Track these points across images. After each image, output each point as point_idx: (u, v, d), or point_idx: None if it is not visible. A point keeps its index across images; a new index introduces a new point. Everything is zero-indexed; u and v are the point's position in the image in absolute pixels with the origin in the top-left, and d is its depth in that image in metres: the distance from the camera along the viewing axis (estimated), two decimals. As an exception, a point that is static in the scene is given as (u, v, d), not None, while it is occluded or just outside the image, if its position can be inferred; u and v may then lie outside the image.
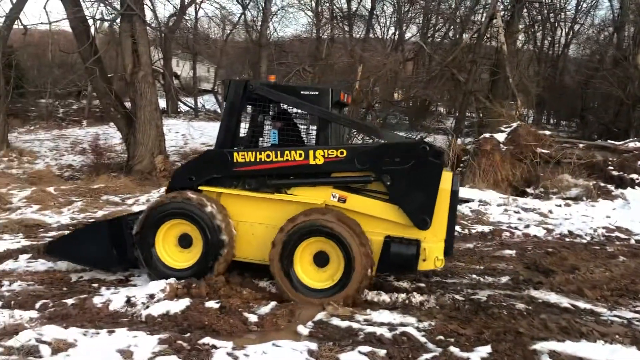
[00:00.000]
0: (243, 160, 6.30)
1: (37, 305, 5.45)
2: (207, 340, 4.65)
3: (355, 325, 5.22)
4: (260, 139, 6.82)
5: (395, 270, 6.41)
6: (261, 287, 6.34)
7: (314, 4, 28.97)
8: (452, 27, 26.05)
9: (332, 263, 5.95)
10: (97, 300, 5.58)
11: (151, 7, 24.80)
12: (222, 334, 4.95)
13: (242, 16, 29.94)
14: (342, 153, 6.10)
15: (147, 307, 5.43)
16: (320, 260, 5.99)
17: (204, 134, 23.68)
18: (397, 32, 29.06)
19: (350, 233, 5.76)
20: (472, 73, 19.89)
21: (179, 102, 31.84)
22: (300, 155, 6.17)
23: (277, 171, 6.27)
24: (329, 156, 6.12)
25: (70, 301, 5.56)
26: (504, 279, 7.08)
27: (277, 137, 6.60)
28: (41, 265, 6.94)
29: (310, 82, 21.25)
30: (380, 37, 30.67)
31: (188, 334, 4.81)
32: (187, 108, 32.06)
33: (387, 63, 20.07)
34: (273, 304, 5.66)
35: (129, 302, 5.59)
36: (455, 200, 6.17)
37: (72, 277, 6.59)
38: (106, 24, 20.80)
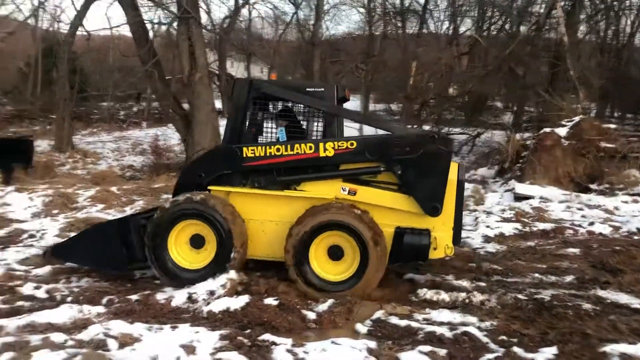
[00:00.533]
0: (253, 155, 6.34)
1: (104, 301, 5.66)
2: (267, 336, 4.70)
3: (414, 324, 5.16)
4: (267, 136, 6.83)
5: (408, 260, 6.45)
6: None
7: (366, 1, 28.81)
8: (509, 19, 25.34)
9: (347, 256, 6.04)
10: (160, 297, 5.74)
11: (207, 10, 25.30)
12: (281, 330, 5.00)
13: (295, 15, 30.17)
14: (352, 144, 6.17)
15: (208, 303, 5.53)
16: (335, 253, 6.07)
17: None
18: (452, 26, 28.55)
19: (364, 225, 5.86)
20: (530, 66, 19.30)
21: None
22: (310, 148, 6.23)
23: (288, 165, 6.31)
24: (339, 148, 6.19)
25: (134, 297, 5.75)
26: (569, 278, 6.82)
27: (284, 134, 6.61)
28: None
29: (363, 79, 21.14)
30: (434, 32, 30.22)
31: (248, 330, 4.88)
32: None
33: (442, 58, 19.77)
34: (330, 301, 5.66)
35: (190, 298, 5.72)
36: (461, 189, 6.33)
37: (136, 274, 6.79)
38: (164, 27, 21.36)
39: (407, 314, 5.45)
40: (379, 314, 5.44)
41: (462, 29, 28.90)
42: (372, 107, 28.86)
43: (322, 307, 5.52)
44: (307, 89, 6.55)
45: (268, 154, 6.29)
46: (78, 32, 19.65)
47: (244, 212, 6.38)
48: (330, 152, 6.20)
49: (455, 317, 5.35)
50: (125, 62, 27.75)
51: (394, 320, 5.27)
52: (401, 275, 6.76)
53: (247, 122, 6.54)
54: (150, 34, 18.33)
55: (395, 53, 24.32)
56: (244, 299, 5.52)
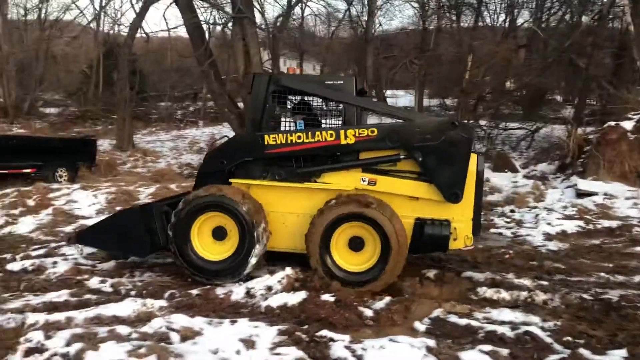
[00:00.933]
0: (274, 143, 6.37)
1: (166, 295, 5.81)
2: (325, 332, 4.71)
3: (474, 323, 5.05)
4: (286, 129, 6.81)
5: (428, 250, 6.58)
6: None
7: (419, -5, 28.43)
8: (569, 9, 24.46)
9: (367, 247, 6.08)
10: (219, 291, 5.85)
11: (260, 10, 25.58)
12: (338, 327, 4.99)
13: (347, 12, 30.09)
14: (372, 132, 6.23)
15: (266, 298, 5.60)
16: (356, 245, 6.12)
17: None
18: (508, 19, 27.81)
19: (385, 216, 5.90)
20: (593, 57, 18.54)
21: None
22: (332, 135, 6.26)
23: (309, 152, 6.35)
24: (360, 135, 6.23)
25: (195, 291, 5.88)
26: (637, 278, 6.53)
27: (302, 126, 6.62)
28: (167, 257, 7.38)
29: (417, 74, 20.86)
30: (490, 24, 29.52)
31: (306, 326, 4.91)
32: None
33: (499, 51, 19.25)
34: (388, 299, 5.63)
35: (248, 293, 5.81)
36: (480, 180, 6.36)
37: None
38: (219, 27, 21.76)
39: (466, 312, 5.35)
40: (437, 312, 5.36)
41: (519, 21, 28.11)
42: (426, 102, 28.49)
43: (379, 304, 5.49)
44: (326, 82, 6.60)
45: (289, 142, 6.35)
46: (137, 35, 20.30)
47: (265, 204, 6.44)
48: (351, 140, 6.24)
49: (517, 316, 5.21)
50: (182, 63, 28.44)
51: (453, 318, 5.19)
52: (459, 273, 6.64)
53: (266, 116, 6.57)
54: (206, 34, 18.69)
55: (450, 47, 23.88)
56: (301, 295, 5.56)
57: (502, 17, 29.12)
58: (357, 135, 6.23)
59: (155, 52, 29.92)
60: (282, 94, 6.60)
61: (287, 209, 6.47)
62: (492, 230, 9.38)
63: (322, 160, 6.41)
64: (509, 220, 10.08)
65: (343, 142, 6.25)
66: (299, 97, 6.91)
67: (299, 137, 6.33)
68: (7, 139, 14.67)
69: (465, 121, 6.47)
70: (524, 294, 5.80)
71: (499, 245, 8.18)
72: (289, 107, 6.83)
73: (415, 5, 29.81)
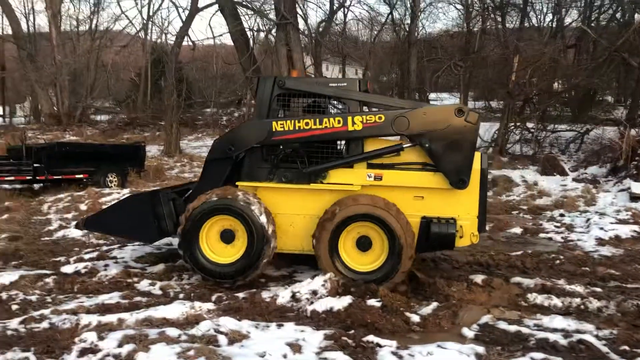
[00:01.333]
0: (282, 129, 6.40)
1: (213, 298, 5.89)
2: (371, 338, 4.69)
3: (524, 330, 4.94)
4: None
5: (435, 248, 6.60)
6: (419, 286, 6.26)
7: (463, -3, 28.06)
8: (620, 7, 23.70)
9: (375, 247, 6.16)
10: (265, 295, 5.89)
11: (303, 16, 25.75)
12: (384, 332, 4.97)
13: (390, 16, 29.97)
14: (380, 118, 6.25)
15: (312, 302, 5.60)
16: (363, 244, 6.20)
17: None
18: (556, 18, 27.13)
19: (392, 215, 5.98)
20: (646, 56, 17.89)
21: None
22: (339, 122, 6.28)
23: (316, 139, 6.36)
24: (368, 122, 6.26)
25: (241, 295, 5.94)
26: (699, 286, 6.25)
27: None
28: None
29: (461, 77, 20.57)
30: (537, 25, 28.84)
31: (352, 331, 4.89)
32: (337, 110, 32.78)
33: (546, 52, 18.78)
34: (435, 304, 5.56)
35: (294, 297, 5.83)
36: (485, 178, 6.37)
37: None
38: (262, 34, 22.02)
39: (516, 319, 5.23)
40: (486, 318, 5.25)
41: (567, 20, 27.41)
42: (470, 105, 28.05)
43: (426, 309, 5.43)
44: (330, 84, 6.61)
45: (297, 128, 6.38)
46: (184, 43, 20.74)
47: (272, 206, 6.47)
48: (359, 126, 6.27)
49: (569, 323, 5.06)
50: (227, 70, 28.91)
51: (503, 325, 5.08)
52: (508, 279, 6.50)
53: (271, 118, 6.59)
54: (250, 41, 18.95)
55: (495, 49, 23.45)
56: (346, 300, 5.54)
57: (549, 17, 28.47)
58: (364, 121, 6.27)
59: (201, 59, 30.50)
60: (287, 97, 6.65)
61: (294, 210, 6.53)
62: (541, 235, 9.15)
63: (327, 157, 6.43)
64: (558, 224, 9.81)
65: (350, 128, 6.29)
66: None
67: (307, 124, 6.37)
68: (61, 146, 15.18)
69: (474, 110, 6.31)
70: (577, 300, 5.64)
71: (549, 250, 7.98)
72: (292, 109, 6.88)
73: (460, 7, 29.46)
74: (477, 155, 6.35)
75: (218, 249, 6.43)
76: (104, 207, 7.73)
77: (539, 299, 5.76)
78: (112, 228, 7.15)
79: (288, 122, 6.40)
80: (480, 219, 6.36)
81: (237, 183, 6.64)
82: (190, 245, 6.34)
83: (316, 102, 6.75)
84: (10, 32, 31.09)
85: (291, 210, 6.52)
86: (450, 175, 6.16)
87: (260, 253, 6.23)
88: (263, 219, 6.22)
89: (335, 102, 6.78)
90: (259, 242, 6.21)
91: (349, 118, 6.28)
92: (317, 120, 6.34)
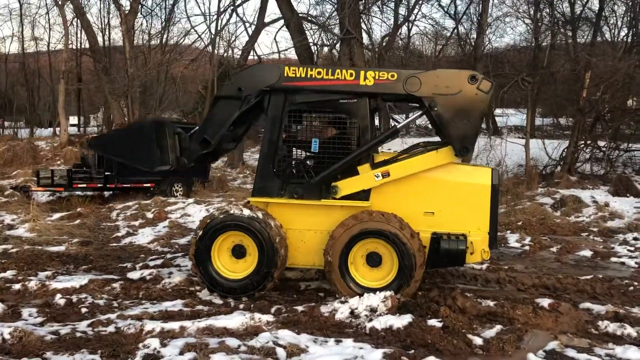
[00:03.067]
0: (294, 75, 6.37)
1: (273, 310, 5.92)
2: (432, 359, 4.57)
3: (595, 359, 4.69)
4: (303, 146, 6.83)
5: (445, 265, 6.62)
6: (484, 307, 6.06)
7: (532, 11, 27.36)
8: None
9: (385, 263, 6.17)
10: (324, 309, 5.87)
11: (367, 30, 25.81)
12: (445, 354, 4.83)
13: (455, 30, 29.59)
14: (392, 76, 6.24)
15: (370, 319, 5.53)
16: (373, 260, 6.21)
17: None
18: (632, 33, 26.01)
19: (403, 232, 6.00)
20: None
21: (391, 119, 32.53)
22: (351, 75, 6.28)
23: (327, 89, 6.32)
24: (380, 78, 6.24)
25: (300, 308, 5.94)
26: None
27: (317, 145, 6.55)
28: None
29: (529, 92, 20.02)
30: (610, 39, 27.71)
31: (412, 351, 4.79)
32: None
33: (620, 67, 18.02)
34: (498, 327, 5.37)
35: (352, 313, 5.78)
36: (496, 193, 6.35)
37: (301, 286, 7.04)
38: (327, 48, 22.21)
39: (586, 347, 4.97)
40: (553, 344, 5.02)
41: (644, 35, 26.22)
42: (538, 122, 27.23)
43: (489, 332, 5.24)
44: (340, 101, 6.52)
45: (309, 76, 6.37)
46: (250, 57, 21.18)
47: (283, 222, 6.48)
48: (371, 81, 6.26)
49: (645, 355, 4.76)
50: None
51: (571, 353, 4.84)
52: (576, 304, 6.21)
53: (283, 134, 6.57)
54: (315, 56, 19.15)
55: (565, 64, 22.69)
56: (406, 318, 5.43)
57: (624, 31, 27.33)
58: (376, 77, 6.26)
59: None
60: (298, 112, 6.63)
61: (305, 225, 6.52)
62: (613, 259, 8.70)
63: (332, 161, 6.40)
64: (632, 248, 9.31)
65: (362, 82, 6.27)
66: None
67: (319, 73, 6.37)
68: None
69: (487, 79, 6.18)
70: (654, 330, 5.31)
71: (622, 275, 7.58)
72: (304, 125, 6.88)
73: (528, 21, 28.72)
74: (489, 171, 6.42)
75: (229, 264, 6.49)
76: (115, 133, 7.85)
77: (611, 327, 5.45)
78: (116, 151, 7.32)
79: (300, 68, 6.44)
80: (491, 235, 6.35)
81: (249, 199, 6.74)
82: (203, 260, 6.40)
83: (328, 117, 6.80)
84: (87, 46, 32.74)
85: (302, 226, 6.54)
86: (455, 142, 6.16)
87: (271, 269, 6.25)
88: (274, 234, 6.24)
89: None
90: (269, 258, 6.23)
91: (362, 72, 6.32)
92: (330, 70, 6.38)
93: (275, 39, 49.40)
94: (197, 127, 7.17)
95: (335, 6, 17.03)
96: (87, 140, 7.96)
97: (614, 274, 7.61)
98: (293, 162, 6.77)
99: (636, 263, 8.39)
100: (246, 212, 6.33)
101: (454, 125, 6.17)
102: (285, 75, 6.44)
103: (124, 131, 7.52)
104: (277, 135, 6.57)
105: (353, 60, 16.28)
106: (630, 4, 24.77)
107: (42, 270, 7.59)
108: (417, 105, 6.58)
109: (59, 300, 6.20)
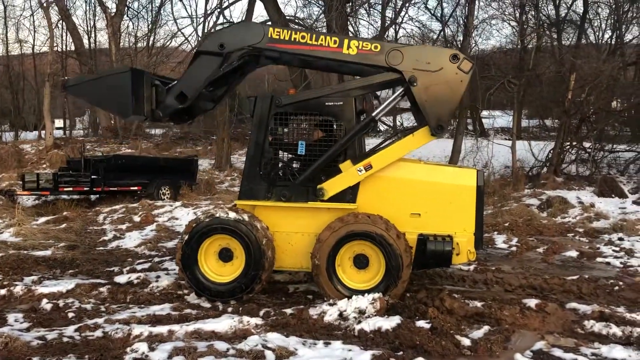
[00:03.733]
0: (277, 37, 6.37)
1: (261, 313, 5.91)
2: (420, 360, 4.59)
3: (581, 359, 4.74)
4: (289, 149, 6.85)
5: (431, 266, 6.61)
6: (471, 308, 6.09)
7: (518, 14, 27.60)
8: (684, 24, 22.84)
9: (372, 264, 6.21)
10: (312, 312, 5.87)
11: (354, 33, 25.85)
12: (434, 355, 4.86)
13: (442, 33, 29.72)
14: (376, 47, 6.27)
15: (359, 321, 5.54)
16: (360, 262, 6.24)
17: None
18: (615, 35, 26.32)
19: (389, 233, 6.03)
20: None
21: (379, 122, 32.64)
22: (335, 42, 6.30)
23: (310, 54, 6.35)
24: (363, 48, 6.27)
25: (289, 311, 5.94)
26: None
27: (303, 148, 6.58)
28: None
29: (515, 94, 20.17)
30: (594, 42, 28.00)
31: (400, 352, 4.81)
32: (386, 127, 32.70)
33: (604, 69, 18.21)
34: (486, 328, 5.41)
35: (341, 315, 5.79)
36: (481, 195, 6.42)
37: (290, 288, 7.04)
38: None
39: (572, 347, 5.02)
40: (540, 344, 5.07)
41: (627, 37, 26.57)
42: (525, 123, 27.43)
43: (477, 333, 5.28)
44: (326, 104, 6.55)
45: (293, 40, 6.37)
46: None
47: (270, 224, 6.49)
48: (354, 51, 6.28)
49: (630, 354, 4.81)
50: (279, 86, 29.27)
51: (558, 352, 4.89)
52: (563, 304, 6.27)
53: (269, 137, 6.57)
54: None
55: (551, 66, 22.90)
56: (395, 320, 5.45)
57: (608, 33, 27.67)
58: (360, 47, 6.29)
59: (253, 76, 31.01)
60: (284, 115, 6.64)
61: (292, 228, 6.54)
62: (599, 259, 8.78)
63: (315, 158, 6.43)
64: (617, 249, 9.41)
65: (345, 51, 6.30)
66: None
67: (303, 37, 6.38)
68: (117, 159, 15.69)
69: (468, 59, 6.26)
70: (638, 330, 5.36)
71: (607, 275, 7.66)
72: (290, 128, 6.89)
73: (514, 23, 28.95)
74: (474, 173, 6.46)
75: (217, 267, 6.47)
76: (92, 78, 7.44)
77: (597, 326, 5.51)
78: (92, 97, 7.05)
79: (285, 31, 6.45)
80: (477, 236, 6.40)
81: (235, 202, 6.73)
82: (189, 264, 6.39)
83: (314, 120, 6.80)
84: (73, 48, 32.52)
85: (289, 228, 6.55)
86: (431, 120, 6.21)
87: (258, 272, 6.25)
88: (261, 236, 6.24)
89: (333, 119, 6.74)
90: (256, 261, 6.23)
91: (346, 40, 6.34)
92: (315, 35, 6.40)
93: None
94: (175, 82, 6.97)
95: (322, 9, 17.05)
96: (62, 82, 7.59)
97: (600, 274, 7.69)
98: (279, 165, 6.75)
99: (621, 263, 8.47)
100: (232, 215, 6.32)
101: (431, 103, 6.21)
102: (270, 36, 6.41)
103: (101, 77, 7.12)
104: (263, 137, 6.57)
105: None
106: (613, 6, 25.10)
107: (28, 275, 7.52)
108: (400, 86, 6.51)
109: (46, 305, 6.15)
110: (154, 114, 6.72)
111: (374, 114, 6.48)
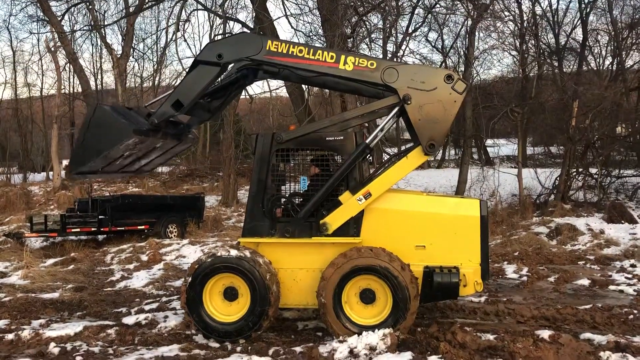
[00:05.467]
0: (275, 50, 6.38)
1: (270, 352, 5.84)
2: (433, 397, 4.50)
3: (598, 391, 4.62)
4: (289, 186, 6.91)
5: (439, 298, 6.55)
6: (484, 341, 5.99)
7: (517, 43, 27.91)
8: (684, 48, 23.00)
9: (379, 298, 6.14)
10: (322, 350, 5.79)
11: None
12: (447, 391, 4.76)
13: (443, 64, 30.04)
14: (372, 64, 6.31)
15: (370, 358, 5.47)
16: (367, 297, 6.17)
17: (409, 182, 23.91)
18: (616, 61, 26.51)
19: (392, 265, 5.98)
20: None
21: (384, 153, 32.74)
22: (332, 57, 6.32)
23: (307, 67, 6.36)
24: (359, 65, 6.29)
25: (298, 349, 5.87)
26: None
27: (306, 183, 6.65)
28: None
29: (519, 123, 20.23)
30: (596, 68, 28.20)
31: (413, 390, 4.72)
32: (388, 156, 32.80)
33: (607, 95, 18.28)
34: (499, 362, 5.30)
35: (352, 352, 5.71)
36: (485, 225, 6.38)
37: (299, 325, 6.96)
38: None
39: (588, 380, 4.91)
40: (554, 378, 4.96)
41: (628, 63, 26.74)
42: (529, 151, 27.44)
43: (491, 367, 5.18)
44: (327, 138, 6.60)
45: (290, 53, 6.40)
46: (241, 96, 21.37)
47: (275, 261, 6.44)
48: (350, 67, 6.31)
49: (648, 386, 4.71)
50: (283, 121, 29.53)
51: (574, 386, 4.78)
52: (577, 334, 6.16)
53: (271, 174, 6.58)
54: (305, 93, 19.35)
55: (553, 93, 23.03)
56: (406, 356, 5.38)
57: (609, 60, 27.88)
58: (356, 63, 6.32)
59: (258, 112, 31.36)
60: (286, 152, 6.67)
61: (296, 265, 6.49)
62: (611, 287, 8.67)
63: (314, 191, 6.45)
64: (630, 276, 9.29)
65: (341, 66, 6.33)
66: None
67: (301, 51, 6.39)
68: (124, 198, 15.75)
69: (464, 81, 6.27)
70: (656, 361, 5.25)
71: (621, 304, 7.54)
72: (291, 164, 6.96)
73: (514, 53, 29.23)
74: (477, 203, 6.46)
75: (223, 307, 6.41)
76: (78, 145, 7.01)
77: (613, 357, 5.40)
78: (92, 154, 6.60)
79: (283, 44, 6.47)
80: (483, 267, 6.36)
81: (238, 239, 6.71)
82: (195, 307, 6.33)
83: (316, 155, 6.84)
84: (80, 90, 33.01)
85: (294, 265, 6.50)
86: (423, 139, 6.22)
87: (264, 309, 6.18)
88: (264, 271, 6.20)
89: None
90: (262, 295, 6.17)
91: (342, 56, 6.38)
92: (312, 50, 6.42)
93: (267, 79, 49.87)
94: (171, 91, 6.95)
95: (324, 45, 17.29)
96: (67, 173, 7.18)
97: (613, 303, 7.57)
98: (282, 201, 6.75)
99: (635, 290, 8.36)
100: (234, 252, 6.30)
101: (424, 122, 6.24)
102: (268, 48, 6.45)
103: (84, 136, 6.77)
104: (265, 174, 6.59)
105: (343, 97, 16.48)
106: (612, 33, 25.33)
107: (36, 319, 7.48)
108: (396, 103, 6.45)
109: (53, 349, 6.10)
110: (150, 121, 6.64)
111: (367, 141, 6.41)
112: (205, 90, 6.64)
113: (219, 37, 17.99)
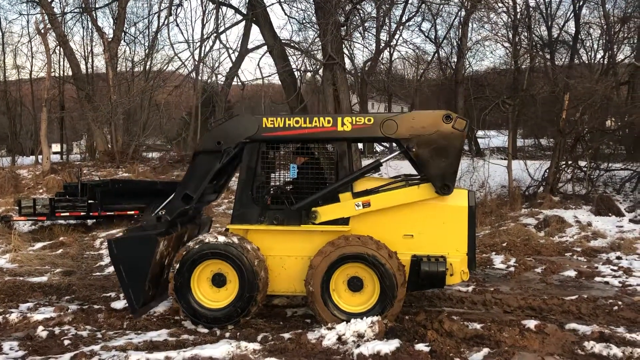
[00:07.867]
0: (272, 126, 6.45)
1: (259, 338, 5.86)
2: (420, 384, 4.55)
3: (582, 380, 4.70)
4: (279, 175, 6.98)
5: (425, 287, 6.60)
6: (471, 330, 6.06)
7: (511, 35, 27.94)
8: (675, 43, 23.13)
9: (366, 286, 6.21)
10: (311, 336, 5.82)
11: (349, 55, 26.12)
12: (433, 379, 4.81)
13: (436, 54, 30.05)
14: (369, 120, 6.38)
15: (358, 345, 5.51)
16: (355, 285, 6.24)
17: (399, 171, 23.96)
18: (607, 55, 26.62)
19: (380, 252, 6.05)
20: None
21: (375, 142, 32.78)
22: (329, 122, 6.39)
23: (306, 137, 6.48)
24: (357, 123, 6.36)
25: (287, 335, 5.89)
26: None
27: (295, 171, 6.70)
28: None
29: (510, 114, 20.32)
30: (587, 61, 28.32)
31: (400, 377, 4.77)
32: (382, 147, 32.84)
33: (598, 89, 18.37)
34: (485, 350, 5.36)
35: (340, 339, 5.75)
36: (473, 215, 6.47)
37: (288, 312, 7.00)
38: (309, 74, 22.41)
39: (572, 368, 4.99)
40: (540, 366, 5.03)
41: (619, 57, 26.88)
42: (520, 143, 27.56)
43: (477, 356, 5.24)
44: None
45: (287, 126, 6.46)
46: (233, 83, 21.28)
47: (263, 248, 6.49)
48: (348, 127, 6.38)
49: (631, 375, 4.79)
50: (275, 108, 29.46)
51: (558, 375, 4.85)
52: (562, 325, 6.24)
53: (261, 161, 6.62)
54: (298, 81, 19.29)
55: (545, 86, 23.12)
56: (394, 343, 5.42)
57: (600, 53, 28.01)
58: (353, 122, 6.37)
59: (249, 99, 31.24)
60: (276, 143, 6.77)
61: (285, 252, 6.53)
62: (597, 278, 8.77)
63: (313, 186, 6.52)
64: (615, 268, 9.40)
65: (340, 128, 6.39)
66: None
67: (297, 122, 6.47)
68: (114, 183, 15.65)
69: (463, 119, 6.34)
70: (639, 350, 5.33)
71: (606, 295, 7.64)
72: (282, 153, 7.05)
73: (507, 45, 29.28)
74: (465, 193, 6.53)
75: (211, 293, 6.44)
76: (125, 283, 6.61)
77: (597, 347, 5.48)
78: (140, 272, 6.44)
79: (278, 119, 6.53)
80: (469, 256, 6.47)
81: (227, 226, 6.71)
82: (183, 293, 6.34)
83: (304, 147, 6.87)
84: (70, 73, 32.69)
85: (283, 252, 6.54)
86: (435, 180, 6.29)
87: (252, 297, 6.22)
88: (252, 257, 6.24)
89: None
90: (250, 281, 6.20)
91: (339, 118, 6.43)
92: (308, 119, 6.46)
93: (258, 65, 49.32)
94: (179, 184, 7.20)
95: (318, 32, 17.23)
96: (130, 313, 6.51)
97: (599, 294, 7.67)
98: (272, 189, 6.76)
99: (620, 282, 8.46)
100: (221, 238, 6.32)
101: (432, 164, 6.30)
102: (264, 126, 6.53)
103: (122, 277, 6.49)
104: (255, 161, 6.60)
105: (336, 85, 16.42)
106: (605, 27, 25.43)
107: (24, 302, 7.47)
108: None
109: (41, 332, 6.10)
110: (162, 219, 6.82)
111: (382, 160, 6.69)
112: (210, 177, 6.75)
113: (211, 22, 17.83)
